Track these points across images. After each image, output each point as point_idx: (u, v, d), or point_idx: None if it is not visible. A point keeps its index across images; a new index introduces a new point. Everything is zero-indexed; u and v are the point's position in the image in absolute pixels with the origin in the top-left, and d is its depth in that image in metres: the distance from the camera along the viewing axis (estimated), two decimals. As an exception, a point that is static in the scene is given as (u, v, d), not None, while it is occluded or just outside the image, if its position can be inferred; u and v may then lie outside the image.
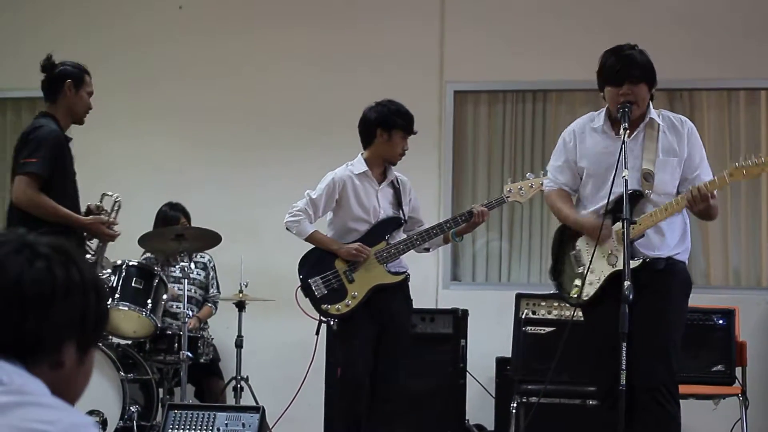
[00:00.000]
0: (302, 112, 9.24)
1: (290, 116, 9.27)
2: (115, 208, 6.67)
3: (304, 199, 6.68)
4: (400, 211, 6.77)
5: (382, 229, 6.70)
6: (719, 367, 7.32)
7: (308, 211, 6.65)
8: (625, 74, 5.22)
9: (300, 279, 6.68)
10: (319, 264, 6.66)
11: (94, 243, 6.61)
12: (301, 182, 7.28)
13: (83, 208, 6.50)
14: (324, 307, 6.60)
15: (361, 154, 6.77)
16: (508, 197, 6.74)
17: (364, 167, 6.70)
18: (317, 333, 6.76)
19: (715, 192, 5.16)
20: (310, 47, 9.33)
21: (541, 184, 6.38)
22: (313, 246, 6.71)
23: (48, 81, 6.39)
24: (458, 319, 7.84)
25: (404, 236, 6.75)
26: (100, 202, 6.64)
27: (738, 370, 7.37)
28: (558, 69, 8.89)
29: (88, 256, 6.49)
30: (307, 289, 6.64)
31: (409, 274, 6.79)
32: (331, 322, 6.74)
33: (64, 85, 6.33)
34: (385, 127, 6.65)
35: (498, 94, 9.29)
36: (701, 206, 5.11)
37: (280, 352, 8.83)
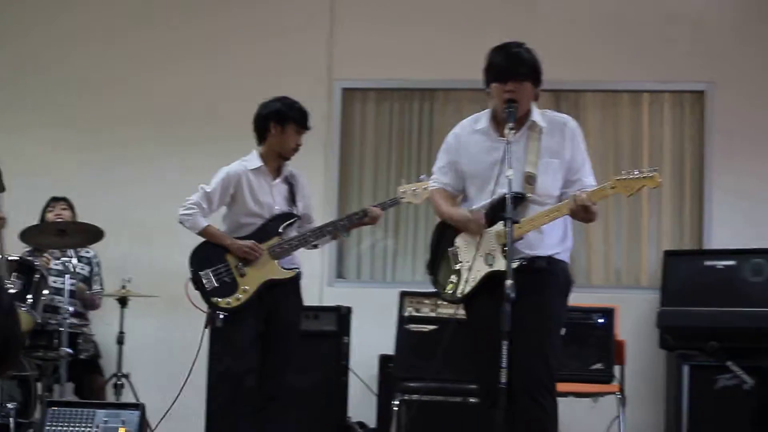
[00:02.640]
0: (190, 110, 9.21)
1: (177, 113, 9.23)
2: None
3: (199, 193, 6.64)
4: (294, 207, 6.76)
5: (276, 224, 6.67)
6: (598, 365, 7.43)
7: (202, 205, 6.62)
8: (512, 71, 5.23)
9: (191, 272, 6.61)
10: (210, 257, 6.61)
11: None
12: (187, 179, 7.23)
13: None
14: (214, 300, 6.53)
15: (256, 149, 6.75)
16: (402, 198, 6.78)
17: (259, 162, 6.68)
18: (206, 327, 6.69)
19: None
20: (199, 44, 9.29)
21: None
22: (204, 240, 6.67)
23: None
24: (342, 316, 7.85)
25: (296, 233, 6.74)
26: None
27: (617, 369, 7.49)
28: (446, 68, 8.93)
29: None
30: (197, 282, 6.57)
31: (301, 271, 6.78)
32: (221, 316, 6.64)
33: None
34: (278, 121, 6.65)
35: (386, 93, 9.31)
36: (582, 216, 5.16)
37: (163, 349, 8.76)
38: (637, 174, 5.10)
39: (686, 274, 8.13)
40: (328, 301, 8.42)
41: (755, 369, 6.38)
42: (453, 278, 5.40)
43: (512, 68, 5.23)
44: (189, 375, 7.12)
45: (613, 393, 7.36)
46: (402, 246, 9.19)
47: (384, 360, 7.92)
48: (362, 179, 9.28)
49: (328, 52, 9.18)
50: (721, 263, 8.01)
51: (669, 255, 8.36)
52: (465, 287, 5.32)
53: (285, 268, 6.67)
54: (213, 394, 7.55)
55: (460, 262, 5.39)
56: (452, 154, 5.50)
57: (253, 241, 6.58)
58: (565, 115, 5.51)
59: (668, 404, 7.90)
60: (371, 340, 8.02)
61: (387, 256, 9.21)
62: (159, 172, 9.11)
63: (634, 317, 8.27)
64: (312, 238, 6.70)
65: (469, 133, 5.45)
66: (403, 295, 7.60)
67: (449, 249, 5.46)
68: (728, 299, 7.53)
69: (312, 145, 8.19)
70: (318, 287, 8.76)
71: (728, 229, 8.65)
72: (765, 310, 6.69)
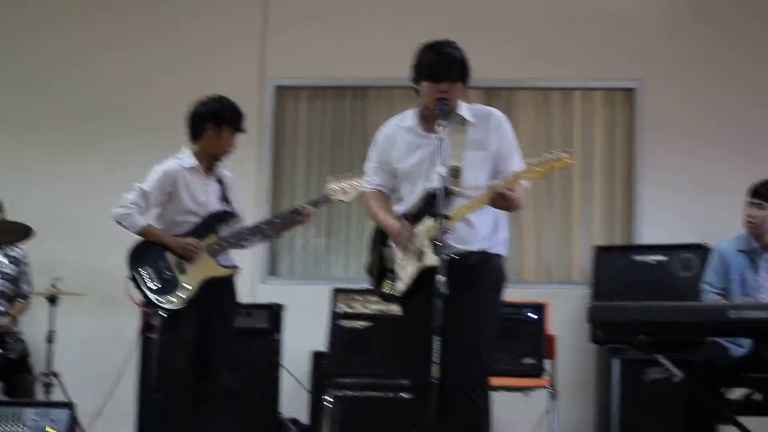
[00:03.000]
0: (120, 107, 9.14)
1: (107, 111, 9.17)
2: None
3: (136, 192, 6.54)
4: (229, 206, 6.74)
5: (212, 222, 6.64)
6: (529, 359, 7.48)
7: (140, 203, 6.53)
8: (445, 72, 5.22)
9: (130, 270, 6.51)
10: (150, 256, 6.54)
11: None
12: (117, 177, 7.18)
13: None
14: (155, 298, 6.46)
15: (189, 148, 6.69)
16: (332, 196, 6.77)
17: (193, 161, 6.63)
18: (143, 326, 6.63)
19: (521, 183, 5.20)
20: (129, 41, 9.24)
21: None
22: (140, 238, 6.59)
23: None
24: (274, 313, 7.84)
25: (231, 231, 6.71)
26: None
27: (548, 363, 7.54)
28: (378, 66, 8.93)
29: None
30: (137, 281, 6.49)
31: (237, 268, 6.75)
32: (160, 314, 6.54)
33: None
34: (215, 122, 6.60)
35: (319, 91, 9.30)
36: (500, 204, 5.18)
37: (95, 348, 8.70)
38: (546, 156, 5.14)
39: (617, 269, 8.21)
40: (261, 299, 8.39)
41: (684, 362, 6.44)
42: (390, 277, 5.42)
43: (445, 69, 5.22)
44: (121, 374, 7.08)
45: (544, 387, 7.42)
46: (334, 243, 9.18)
47: (316, 356, 7.92)
48: (295, 178, 9.26)
49: (260, 50, 9.16)
50: (651, 258, 8.10)
51: (600, 250, 8.44)
52: (401, 285, 5.33)
53: (223, 266, 6.66)
54: (151, 392, 7.48)
55: (396, 260, 5.40)
56: (382, 153, 5.50)
57: (193, 238, 6.55)
58: (490, 108, 5.51)
59: (598, 398, 7.97)
60: (304, 337, 8.02)
61: (319, 253, 9.20)
62: (85, 168, 9.05)
63: (565, 312, 8.32)
64: (249, 235, 6.67)
65: (397, 131, 5.45)
66: (336, 291, 7.61)
67: (385, 249, 5.47)
68: (658, 294, 7.59)
69: (244, 143, 8.12)
70: (250, 284, 8.70)
71: (658, 224, 8.73)
72: (694, 304, 6.76)
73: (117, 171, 7.39)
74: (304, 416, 8.08)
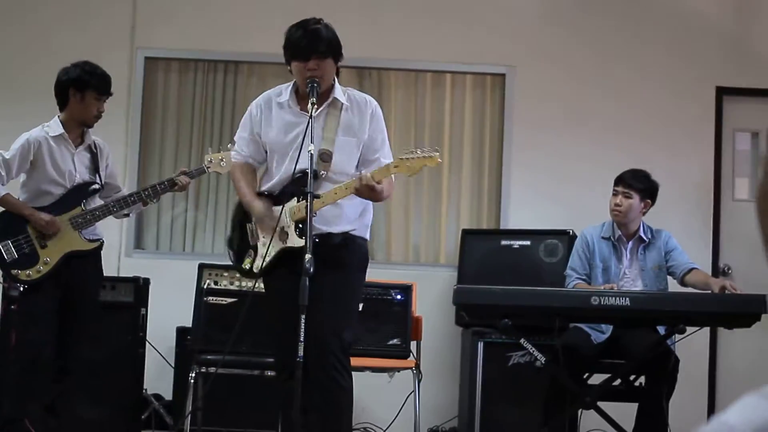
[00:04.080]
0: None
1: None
2: None
3: None
4: (97, 176, 6.65)
5: (77, 194, 6.55)
6: (395, 340, 7.52)
7: (0, 172, 6.44)
8: (312, 49, 5.23)
9: None
10: (10, 228, 6.44)
11: None
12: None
13: None
14: (14, 272, 6.39)
15: (58, 116, 6.60)
16: (209, 167, 6.75)
17: (60, 129, 6.54)
18: (5, 299, 6.54)
19: (386, 179, 5.23)
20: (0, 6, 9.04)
21: None
22: (2, 209, 6.50)
23: None
24: (139, 287, 7.74)
25: (100, 202, 6.63)
26: None
27: (413, 345, 7.59)
28: (250, 41, 8.88)
29: None
30: None
31: (103, 242, 6.71)
32: (21, 288, 6.49)
33: None
34: (78, 88, 6.52)
35: (190, 63, 9.21)
36: (367, 195, 5.20)
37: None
38: (418, 154, 5.18)
39: (483, 252, 8.29)
40: (126, 272, 8.31)
41: (547, 347, 6.54)
42: (250, 253, 5.41)
43: (313, 46, 5.24)
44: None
45: (410, 368, 7.46)
46: (202, 218, 9.11)
47: (181, 332, 7.86)
48: (163, 150, 9.16)
49: (131, 18, 9.03)
50: (517, 243, 8.19)
51: (467, 234, 8.50)
52: (260, 262, 5.33)
53: (87, 239, 6.58)
54: (7, 366, 7.36)
55: (257, 237, 5.39)
56: (254, 124, 5.50)
57: (51, 215, 6.45)
58: (368, 96, 5.55)
59: (463, 380, 8.05)
60: (169, 312, 7.95)
61: (187, 227, 9.12)
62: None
63: (432, 294, 8.39)
64: (116, 208, 6.60)
65: (272, 105, 5.45)
66: (202, 267, 7.55)
67: (248, 225, 5.46)
68: (523, 278, 7.70)
69: (113, 113, 8.02)
70: (116, 257, 8.61)
71: (525, 209, 8.83)
72: (558, 290, 6.86)
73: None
74: (168, 392, 8.01)
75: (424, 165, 5.18)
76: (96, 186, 6.64)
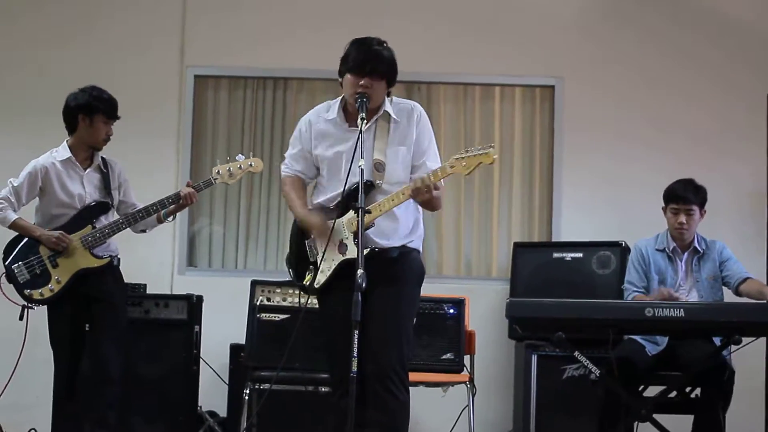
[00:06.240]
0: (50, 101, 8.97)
1: (41, 104, 8.95)
2: None
3: (7, 188, 6.76)
4: (109, 196, 6.84)
5: (88, 214, 6.77)
6: (449, 355, 7.50)
7: (11, 199, 6.73)
8: (369, 68, 5.25)
9: (4, 266, 6.72)
10: (23, 250, 6.72)
11: None
12: (3, 169, 7.22)
13: None
14: (27, 292, 6.66)
15: (66, 140, 6.84)
16: (216, 179, 6.93)
17: (67, 153, 6.78)
18: (21, 318, 6.67)
19: (440, 183, 5.21)
20: (43, 26, 9.10)
21: (250, 165, 6.93)
22: (16, 233, 6.75)
23: None
24: (193, 305, 7.77)
25: (115, 219, 6.82)
26: None
27: (467, 359, 7.57)
28: (299, 57, 8.92)
29: None
30: (10, 276, 6.68)
31: (118, 258, 6.90)
32: (34, 308, 6.71)
33: None
34: (86, 113, 6.74)
35: (239, 80, 9.24)
36: (425, 197, 5.18)
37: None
38: (473, 152, 5.16)
39: (535, 265, 8.26)
40: (179, 290, 8.34)
41: (602, 359, 6.49)
42: (311, 269, 5.42)
43: (370, 65, 5.26)
44: (17, 365, 6.96)
45: (463, 382, 7.44)
46: (253, 235, 9.13)
47: (235, 349, 7.87)
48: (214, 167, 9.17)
49: (180, 37, 9.08)
50: (569, 255, 8.16)
51: (518, 247, 8.48)
52: (321, 277, 5.33)
53: (98, 256, 6.74)
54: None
55: (316, 253, 5.40)
56: (304, 141, 5.52)
57: (60, 231, 6.67)
58: (412, 102, 5.54)
59: (517, 393, 8.01)
60: (222, 329, 7.98)
61: (239, 244, 9.15)
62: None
63: (484, 308, 8.37)
64: (125, 225, 6.78)
65: (321, 121, 5.47)
66: (255, 283, 7.56)
67: (306, 241, 5.46)
68: (576, 291, 7.67)
69: (163, 131, 8.15)
70: (169, 276, 8.67)
71: (577, 222, 8.79)
72: (611, 302, 6.82)
73: (6, 165, 7.29)
74: (222, 409, 8.04)
75: (480, 162, 5.15)
76: (107, 205, 6.84)
